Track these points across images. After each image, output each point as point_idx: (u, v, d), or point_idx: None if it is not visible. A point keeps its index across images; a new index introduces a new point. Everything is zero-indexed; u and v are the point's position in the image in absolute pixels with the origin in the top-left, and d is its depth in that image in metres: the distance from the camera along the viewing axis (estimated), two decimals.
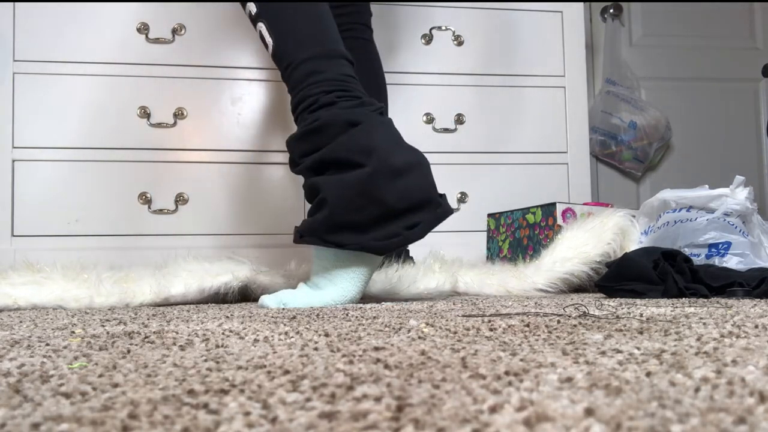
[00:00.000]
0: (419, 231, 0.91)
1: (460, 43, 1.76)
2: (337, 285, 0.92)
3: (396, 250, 1.28)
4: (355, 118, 0.92)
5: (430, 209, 0.92)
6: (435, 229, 1.46)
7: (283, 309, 0.86)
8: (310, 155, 0.94)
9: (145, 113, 1.60)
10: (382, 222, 0.90)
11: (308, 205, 1.65)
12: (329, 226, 0.90)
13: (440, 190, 1.65)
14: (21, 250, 1.51)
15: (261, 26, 0.99)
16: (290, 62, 0.97)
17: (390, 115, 1.71)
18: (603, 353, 0.39)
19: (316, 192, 0.93)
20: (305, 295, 0.92)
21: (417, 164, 0.93)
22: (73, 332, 0.58)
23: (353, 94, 0.95)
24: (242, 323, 0.63)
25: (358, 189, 0.89)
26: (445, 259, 1.32)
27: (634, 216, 1.37)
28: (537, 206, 1.50)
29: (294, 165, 0.98)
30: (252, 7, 0.99)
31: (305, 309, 0.85)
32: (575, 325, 0.55)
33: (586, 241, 1.27)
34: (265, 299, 0.93)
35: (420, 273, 1.19)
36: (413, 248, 1.42)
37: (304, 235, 0.93)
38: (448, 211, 0.95)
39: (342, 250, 0.91)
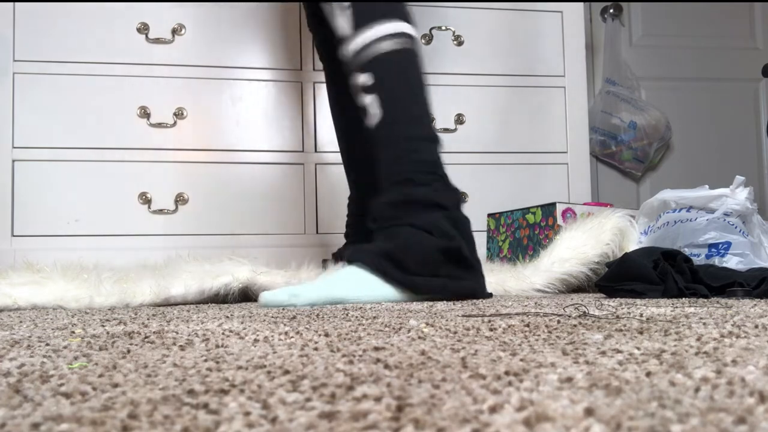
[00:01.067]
0: (459, 289, 1.01)
1: (460, 43, 1.76)
2: (371, 290, 0.97)
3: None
4: (444, 203, 1.03)
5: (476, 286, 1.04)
6: None
7: (284, 309, 0.86)
8: (395, 219, 1.02)
9: (145, 113, 1.60)
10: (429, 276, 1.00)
11: (309, 202, 1.65)
12: (391, 260, 0.98)
13: None
14: (21, 250, 1.51)
15: (369, 99, 1.05)
16: (393, 138, 1.05)
17: None
18: (603, 353, 0.39)
19: (396, 236, 1.01)
20: (327, 287, 0.94)
21: (479, 268, 1.08)
22: (73, 332, 0.58)
23: (444, 179, 1.06)
24: (242, 323, 0.63)
25: (431, 247, 0.99)
26: None
27: (633, 216, 1.37)
28: (537, 206, 1.50)
29: (374, 222, 1.06)
30: (367, 79, 1.05)
31: (305, 309, 0.85)
32: (575, 325, 0.55)
33: (585, 242, 1.27)
34: (267, 296, 0.91)
35: None
36: None
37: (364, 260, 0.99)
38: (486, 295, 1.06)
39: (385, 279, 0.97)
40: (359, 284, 0.96)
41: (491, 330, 0.53)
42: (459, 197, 1.07)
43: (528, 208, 1.52)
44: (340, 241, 1.56)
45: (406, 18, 1.08)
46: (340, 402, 0.28)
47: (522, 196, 1.74)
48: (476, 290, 1.02)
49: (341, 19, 1.06)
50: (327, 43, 1.39)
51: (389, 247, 0.98)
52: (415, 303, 0.93)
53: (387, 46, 1.04)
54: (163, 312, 0.85)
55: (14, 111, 1.56)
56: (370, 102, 1.05)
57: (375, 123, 1.06)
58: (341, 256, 1.35)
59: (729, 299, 0.93)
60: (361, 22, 1.05)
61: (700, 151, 2.47)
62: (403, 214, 1.02)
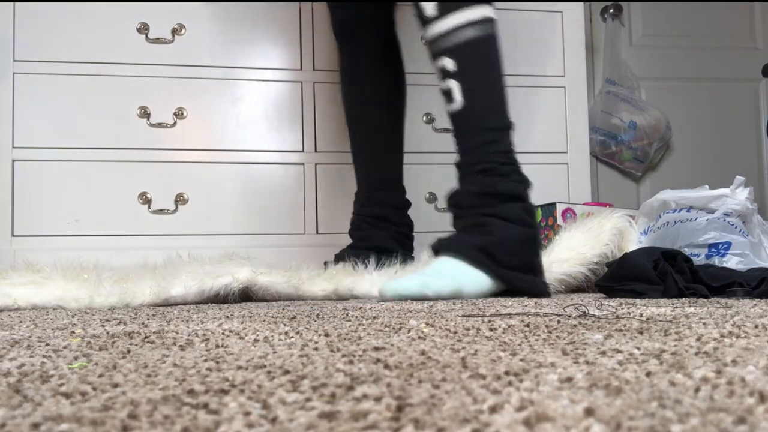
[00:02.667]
0: (537, 287, 1.09)
1: None
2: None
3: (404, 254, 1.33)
4: (523, 195, 1.12)
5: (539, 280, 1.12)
6: (436, 229, 1.53)
7: (283, 309, 0.86)
8: (480, 208, 1.09)
9: (145, 113, 1.60)
10: (520, 270, 1.08)
11: (309, 202, 1.65)
12: (488, 254, 1.05)
13: (440, 191, 1.65)
14: (21, 250, 1.51)
15: (453, 84, 1.10)
16: (474, 127, 1.12)
17: None
18: (603, 353, 0.39)
19: (482, 225, 1.08)
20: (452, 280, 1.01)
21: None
22: (73, 332, 0.58)
23: (517, 169, 1.13)
24: (242, 323, 0.63)
25: (521, 239, 1.08)
26: None
27: (632, 217, 1.36)
28: (537, 206, 1.50)
29: (457, 208, 1.13)
30: (449, 64, 1.10)
31: (305, 308, 0.85)
32: (575, 325, 0.55)
33: (584, 242, 1.27)
34: (394, 286, 0.99)
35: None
36: (417, 247, 1.43)
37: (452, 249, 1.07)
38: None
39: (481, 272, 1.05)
40: (467, 276, 1.03)
41: (491, 330, 0.53)
42: (529, 186, 1.14)
43: None
44: (341, 241, 1.56)
45: (488, 0, 1.12)
46: (340, 402, 0.28)
47: None
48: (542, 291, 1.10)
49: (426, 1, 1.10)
50: (349, 24, 1.37)
51: (485, 241, 1.05)
52: (415, 303, 0.93)
53: (471, 33, 1.09)
54: (163, 312, 0.85)
55: (14, 111, 1.55)
56: (453, 88, 1.10)
57: (456, 110, 1.12)
58: (343, 257, 1.35)
59: (729, 299, 0.93)
60: (447, 6, 1.09)
61: (700, 151, 2.47)
62: (486, 204, 1.08)
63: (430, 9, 1.09)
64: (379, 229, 1.41)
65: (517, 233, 1.08)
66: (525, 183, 1.13)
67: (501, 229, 1.07)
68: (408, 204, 1.48)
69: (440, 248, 1.10)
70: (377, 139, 1.42)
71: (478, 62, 1.11)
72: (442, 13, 1.09)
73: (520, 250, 1.08)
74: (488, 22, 1.11)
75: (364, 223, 1.42)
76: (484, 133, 1.12)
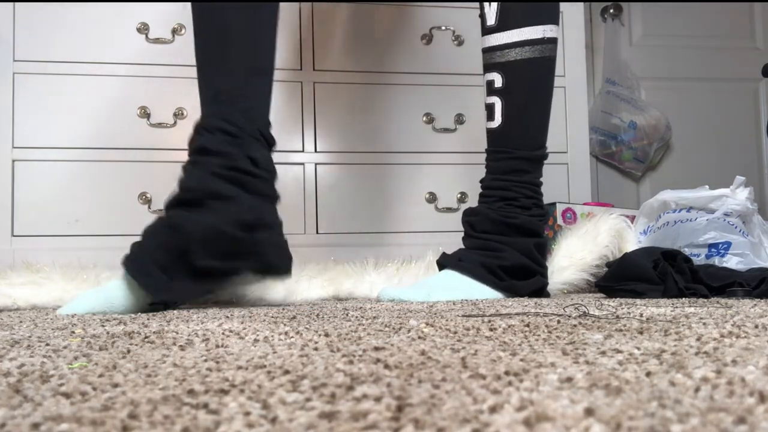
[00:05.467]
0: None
1: (460, 43, 1.76)
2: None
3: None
4: (539, 230, 1.11)
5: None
6: (436, 229, 1.54)
7: (283, 309, 0.86)
8: (493, 234, 1.09)
9: (145, 113, 1.60)
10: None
11: (309, 202, 1.65)
12: (493, 272, 1.07)
13: (440, 191, 1.66)
14: (21, 250, 1.51)
15: (496, 101, 1.11)
16: (507, 151, 1.12)
17: (390, 115, 1.72)
18: (603, 353, 0.39)
19: (492, 249, 1.09)
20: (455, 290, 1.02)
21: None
22: (73, 332, 0.58)
23: (540, 203, 1.13)
24: (242, 323, 0.63)
25: (527, 269, 1.08)
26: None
27: (629, 217, 1.36)
28: None
29: (471, 227, 1.12)
30: (497, 80, 1.10)
31: (305, 308, 0.85)
32: (575, 325, 0.55)
33: (582, 247, 1.26)
34: (401, 295, 0.99)
35: (421, 271, 1.19)
36: (417, 247, 1.43)
37: (465, 263, 1.07)
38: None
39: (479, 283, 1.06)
40: (473, 290, 1.04)
41: (491, 330, 0.53)
42: (546, 219, 1.15)
43: None
44: (341, 241, 1.57)
45: (551, 18, 1.09)
46: (340, 402, 0.28)
47: None
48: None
49: (488, 7, 1.08)
50: None
51: (493, 262, 1.06)
52: (415, 303, 0.93)
53: (527, 52, 1.07)
54: (163, 312, 0.85)
55: (14, 111, 1.55)
56: (495, 105, 1.11)
57: (493, 128, 1.13)
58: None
59: (729, 299, 0.93)
60: (505, 21, 1.06)
61: (700, 151, 2.47)
62: (499, 232, 1.09)
63: (490, 18, 1.07)
64: (206, 167, 0.95)
65: (525, 264, 1.08)
66: (542, 216, 1.13)
67: (512, 255, 1.07)
68: (272, 141, 1.01)
69: (445, 263, 1.09)
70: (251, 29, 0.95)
71: (527, 85, 1.09)
72: (501, 26, 1.06)
73: (525, 277, 1.09)
74: (548, 43, 1.08)
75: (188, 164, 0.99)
76: (515, 160, 1.11)
